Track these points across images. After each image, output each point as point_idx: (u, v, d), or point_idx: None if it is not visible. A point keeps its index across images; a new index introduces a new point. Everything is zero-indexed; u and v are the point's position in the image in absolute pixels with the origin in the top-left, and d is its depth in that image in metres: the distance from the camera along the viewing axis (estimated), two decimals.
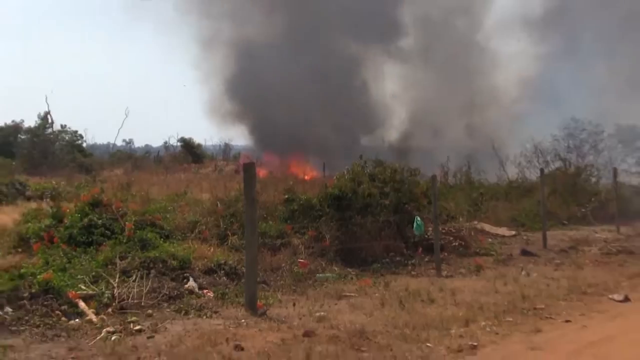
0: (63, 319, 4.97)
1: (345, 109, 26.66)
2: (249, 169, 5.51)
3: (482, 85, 26.44)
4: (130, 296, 5.41)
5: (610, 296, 6.34)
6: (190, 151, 34.34)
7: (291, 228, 8.00)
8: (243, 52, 28.26)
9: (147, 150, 40.29)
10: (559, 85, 24.68)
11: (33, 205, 10.30)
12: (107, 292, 5.48)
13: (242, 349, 4.31)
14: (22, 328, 4.72)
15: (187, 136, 35.12)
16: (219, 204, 8.53)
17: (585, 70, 23.69)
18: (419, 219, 8.06)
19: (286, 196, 8.81)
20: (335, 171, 11.21)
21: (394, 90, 28.12)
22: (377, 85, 28.14)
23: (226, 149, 39.98)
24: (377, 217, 8.32)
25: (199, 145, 36.24)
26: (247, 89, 27.44)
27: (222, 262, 6.67)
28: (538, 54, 26.73)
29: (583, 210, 13.75)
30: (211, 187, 11.75)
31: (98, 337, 4.55)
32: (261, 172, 16.14)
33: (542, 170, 11.54)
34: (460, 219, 10.37)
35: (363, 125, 28.11)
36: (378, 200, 8.35)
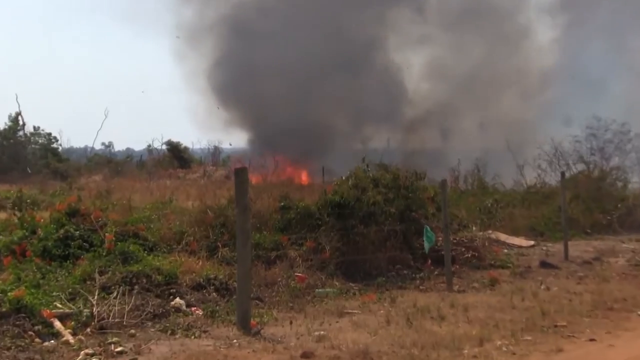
0: (37, 340, 4.98)
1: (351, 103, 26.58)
2: (240, 174, 5.54)
3: (501, 74, 26.21)
4: (111, 315, 5.42)
5: (639, 312, 6.35)
6: (176, 155, 34.39)
7: (287, 239, 8.00)
8: (233, 35, 27.84)
9: (129, 154, 40.34)
10: (585, 80, 24.76)
11: (2, 215, 10.32)
12: (85, 310, 5.48)
13: None
14: None
15: (173, 139, 35.28)
16: (208, 213, 8.53)
17: (610, 65, 23.91)
18: (429, 229, 8.08)
19: (282, 204, 8.81)
20: (336, 176, 11.24)
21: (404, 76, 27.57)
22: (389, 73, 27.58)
23: (215, 152, 40.00)
24: (381, 227, 8.33)
25: (186, 149, 36.32)
26: (239, 82, 27.40)
27: (212, 276, 6.69)
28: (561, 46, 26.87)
29: (608, 217, 13.76)
30: (199, 194, 11.80)
31: None
32: (254, 178, 16.15)
33: (562, 173, 11.58)
34: (473, 228, 10.39)
35: (369, 121, 28.02)
36: (383, 208, 8.36)
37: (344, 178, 8.95)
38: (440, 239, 8.49)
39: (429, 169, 9.98)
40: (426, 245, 8.01)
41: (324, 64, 25.49)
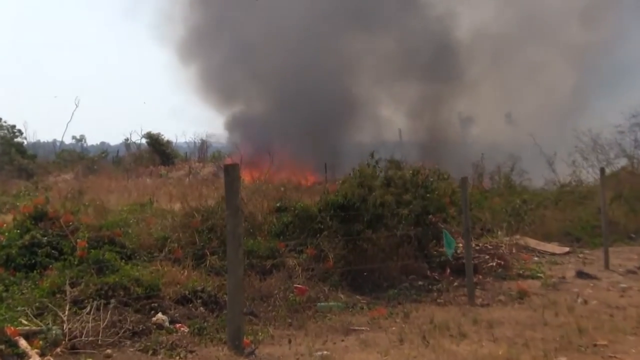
0: None
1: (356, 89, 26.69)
2: (231, 172, 5.56)
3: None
4: (84, 332, 5.44)
5: None
6: (157, 150, 34.48)
7: (285, 245, 8.04)
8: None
9: (103, 149, 40.50)
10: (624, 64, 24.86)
11: None
12: (54, 327, 5.50)
13: None
14: None
15: (153, 131, 35.35)
16: (194, 216, 8.56)
17: None
18: (448, 234, 8.10)
19: (278, 205, 8.83)
20: (341, 174, 11.28)
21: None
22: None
23: (202, 147, 40.09)
24: (393, 231, 8.36)
25: (169, 143, 36.40)
26: (232, 55, 27.70)
27: (199, 288, 6.71)
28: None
29: None
30: (184, 194, 11.79)
31: None
32: (247, 176, 16.19)
33: (602, 170, 11.53)
34: (499, 233, 10.42)
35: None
36: (394, 210, 8.37)
37: (351, 174, 8.99)
38: (461, 245, 8.49)
39: (446, 164, 10.01)
40: (448, 252, 8.03)
41: (331, 19, 26.05)
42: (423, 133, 28.47)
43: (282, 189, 9.72)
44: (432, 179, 9.27)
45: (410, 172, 9.11)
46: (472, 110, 27.93)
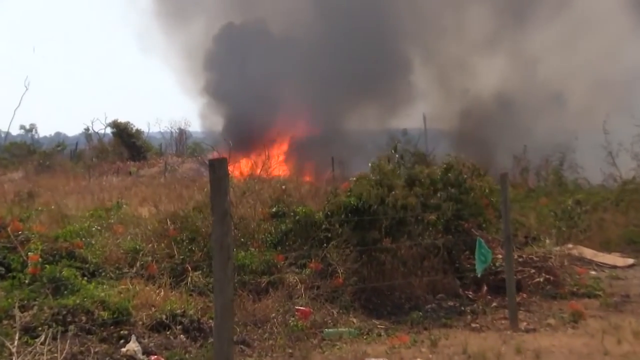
0: None
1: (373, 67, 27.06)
2: (218, 168, 5.53)
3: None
4: None
5: None
6: (125, 142, 34.61)
7: (284, 258, 8.06)
8: None
9: (59, 140, 40.64)
10: None
11: None
12: None
13: None
14: None
15: (120, 119, 35.48)
16: (172, 223, 8.56)
17: None
18: (483, 243, 8.08)
19: (274, 209, 8.84)
20: (352, 170, 11.28)
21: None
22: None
23: (181, 137, 40.18)
24: (417, 240, 8.36)
25: (139, 133, 36.51)
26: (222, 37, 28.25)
27: (179, 312, 6.72)
28: None
29: None
30: (160, 196, 11.82)
31: None
32: (237, 173, 16.21)
33: None
34: (547, 241, 10.36)
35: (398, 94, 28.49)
36: (419, 215, 8.38)
37: (366, 172, 9.01)
38: (500, 256, 8.47)
39: (482, 158, 10.04)
40: (478, 267, 8.00)
41: None
42: (454, 119, 28.65)
43: (283, 186, 9.71)
44: (466, 176, 9.26)
45: (443, 167, 9.13)
46: (514, 90, 27.95)
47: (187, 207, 9.13)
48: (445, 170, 9.10)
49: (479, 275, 8.24)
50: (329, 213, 8.50)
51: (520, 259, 9.21)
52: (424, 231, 8.51)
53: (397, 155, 9.24)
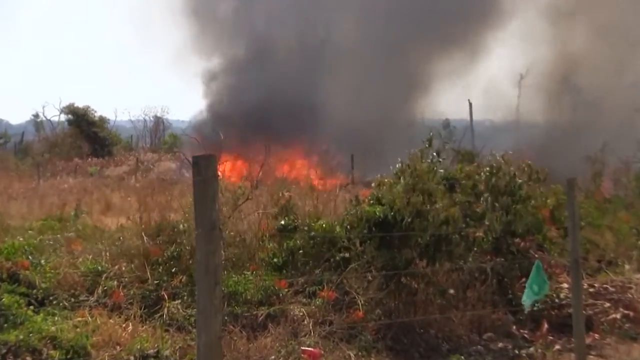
0: None
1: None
2: (204, 167, 5.55)
3: None
4: None
5: None
6: (86, 132, 34.63)
7: (289, 285, 8.08)
8: None
9: (0, 130, 40.71)
10: None
11: None
12: None
13: None
14: None
15: (78, 103, 35.39)
16: (145, 238, 8.60)
17: None
18: (541, 267, 8.05)
19: (282, 223, 8.84)
20: (377, 171, 11.22)
21: None
22: None
23: (157, 127, 40.22)
24: (459, 263, 8.36)
25: (104, 122, 36.51)
26: None
27: (151, 352, 6.74)
28: None
29: None
30: (130, 202, 11.85)
31: None
32: (230, 173, 16.25)
33: None
34: (626, 267, 10.34)
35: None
36: (463, 230, 8.37)
37: (393, 174, 8.98)
38: (566, 285, 8.45)
39: (544, 158, 10.01)
40: (526, 300, 7.92)
41: None
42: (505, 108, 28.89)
43: (286, 193, 9.69)
44: (520, 181, 9.23)
45: (486, 170, 9.09)
46: (581, 73, 28.08)
47: (167, 217, 9.15)
48: (490, 174, 9.05)
49: (525, 310, 8.22)
50: (348, 227, 8.51)
51: (592, 289, 9.18)
52: (467, 251, 8.49)
53: (432, 152, 9.17)
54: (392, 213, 8.30)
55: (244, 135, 27.31)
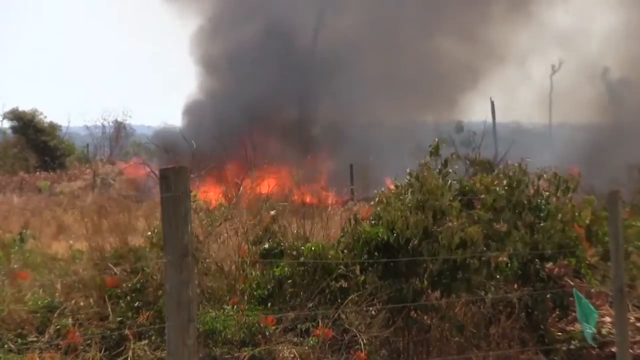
0: None
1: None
2: (174, 181, 5.57)
3: None
4: None
5: None
6: (33, 142, 34.58)
7: (276, 321, 8.07)
8: None
9: None
10: None
11: None
12: None
13: None
14: None
15: (24, 107, 35.24)
16: (106, 266, 8.59)
17: None
18: (582, 297, 8.04)
19: (265, 247, 8.82)
20: (378, 184, 11.25)
21: None
22: None
23: (118, 135, 40.20)
24: (479, 294, 8.36)
25: (55, 129, 36.43)
26: None
27: None
28: None
29: None
30: (86, 225, 11.82)
31: None
32: (206, 189, 16.21)
33: None
34: None
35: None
36: (483, 254, 8.37)
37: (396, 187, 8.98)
38: (609, 320, 8.44)
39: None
40: (587, 332, 7.93)
41: None
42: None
43: (273, 212, 9.68)
44: (547, 193, 9.23)
45: (504, 184, 9.06)
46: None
47: (130, 242, 9.15)
48: (510, 188, 9.03)
49: (590, 343, 8.17)
50: (346, 251, 8.50)
51: None
52: (489, 279, 8.48)
53: (443, 161, 9.15)
54: (394, 234, 8.30)
55: (222, 143, 27.51)
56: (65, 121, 38.88)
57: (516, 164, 9.68)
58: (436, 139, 9.47)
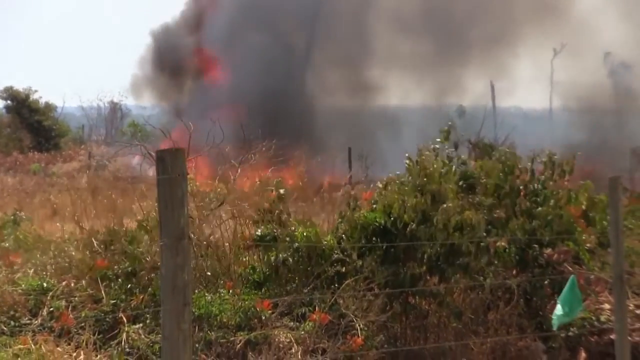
0: None
1: None
2: (171, 164, 5.54)
3: None
4: None
5: None
6: (27, 121, 34.48)
7: (272, 305, 8.07)
8: None
9: None
10: None
11: None
12: None
13: None
14: None
15: (18, 86, 35.10)
16: (98, 249, 8.59)
17: None
18: (576, 283, 8.03)
19: (258, 232, 8.79)
20: (380, 171, 11.23)
21: None
22: None
23: (114, 116, 40.16)
24: (478, 279, 8.37)
25: (50, 109, 36.31)
26: None
27: None
28: None
29: None
30: (80, 206, 11.82)
31: None
32: (202, 172, 16.19)
33: None
34: None
35: None
36: (481, 239, 8.37)
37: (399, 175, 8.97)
38: (608, 307, 8.44)
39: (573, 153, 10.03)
40: (554, 320, 7.92)
41: None
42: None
43: (272, 195, 9.62)
44: (543, 177, 9.21)
45: (499, 167, 9.04)
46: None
47: (125, 224, 9.14)
48: (504, 173, 9.01)
49: (554, 328, 8.17)
50: (344, 236, 8.49)
51: (639, 311, 9.18)
52: (488, 265, 8.46)
53: (448, 147, 9.13)
54: (391, 219, 8.29)
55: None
56: (60, 101, 38.74)
57: (507, 149, 9.69)
58: (449, 123, 9.49)
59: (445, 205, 8.30)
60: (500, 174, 9.06)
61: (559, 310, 7.85)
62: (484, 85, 36.64)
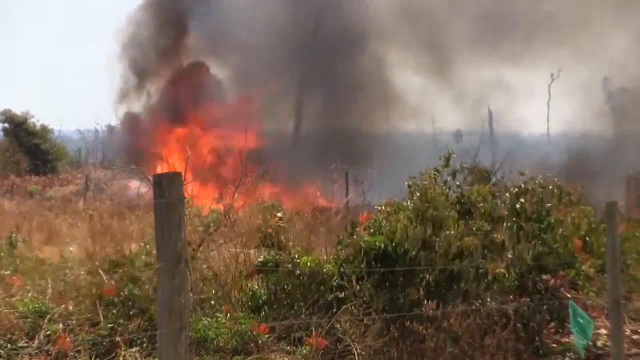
0: None
1: None
2: (168, 187, 5.57)
3: None
4: None
5: None
6: (25, 145, 34.48)
7: (269, 330, 8.08)
8: None
9: None
10: None
11: None
12: None
13: None
14: None
15: (17, 110, 35.08)
16: (98, 273, 8.60)
17: None
18: (578, 308, 8.06)
19: (260, 259, 8.79)
20: (378, 193, 11.23)
21: None
22: None
23: (110, 139, 40.05)
24: (476, 304, 8.37)
25: (46, 132, 36.30)
26: None
27: None
28: None
29: None
30: (79, 230, 11.85)
31: None
32: (200, 195, 16.21)
33: None
34: None
35: None
36: (480, 265, 8.39)
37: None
38: (604, 332, 8.45)
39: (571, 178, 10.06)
40: (578, 343, 7.95)
41: None
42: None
43: (276, 217, 9.63)
44: (549, 205, 9.24)
45: (514, 190, 9.08)
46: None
47: (123, 248, 9.14)
48: (517, 196, 9.04)
49: (581, 356, 8.20)
50: (343, 262, 8.49)
51: (636, 336, 9.19)
52: (485, 290, 8.47)
53: (450, 171, 9.16)
54: (392, 244, 8.29)
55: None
56: (57, 125, 38.69)
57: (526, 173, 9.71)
58: (450, 151, 9.50)
59: (447, 233, 8.32)
60: (513, 195, 9.08)
61: (576, 338, 7.89)
62: (481, 109, 36.54)
